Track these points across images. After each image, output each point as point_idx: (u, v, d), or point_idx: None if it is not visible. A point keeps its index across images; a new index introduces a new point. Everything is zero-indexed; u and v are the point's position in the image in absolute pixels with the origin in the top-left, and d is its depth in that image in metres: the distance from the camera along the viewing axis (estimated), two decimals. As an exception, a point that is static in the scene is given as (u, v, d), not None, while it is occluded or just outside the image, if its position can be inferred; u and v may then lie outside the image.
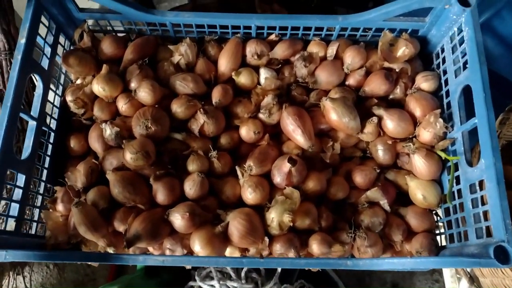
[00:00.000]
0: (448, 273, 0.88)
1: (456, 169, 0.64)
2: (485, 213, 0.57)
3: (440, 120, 0.65)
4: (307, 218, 0.65)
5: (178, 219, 0.61)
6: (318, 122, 0.71)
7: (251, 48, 0.75)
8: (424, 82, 0.71)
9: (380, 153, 0.71)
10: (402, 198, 0.71)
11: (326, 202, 0.71)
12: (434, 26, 0.70)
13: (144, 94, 0.67)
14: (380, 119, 0.70)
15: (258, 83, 0.75)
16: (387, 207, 0.68)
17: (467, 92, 0.63)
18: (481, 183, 0.58)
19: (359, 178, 0.70)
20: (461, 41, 0.65)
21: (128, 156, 0.63)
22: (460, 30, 0.66)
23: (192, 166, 0.66)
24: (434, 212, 0.70)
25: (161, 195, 0.63)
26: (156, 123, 0.66)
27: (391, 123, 0.69)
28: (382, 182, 0.71)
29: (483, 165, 0.57)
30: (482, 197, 0.59)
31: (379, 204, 0.69)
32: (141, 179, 0.65)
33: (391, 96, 0.73)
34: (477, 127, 0.58)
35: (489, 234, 0.55)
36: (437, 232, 0.69)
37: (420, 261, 0.58)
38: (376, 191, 0.68)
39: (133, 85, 0.70)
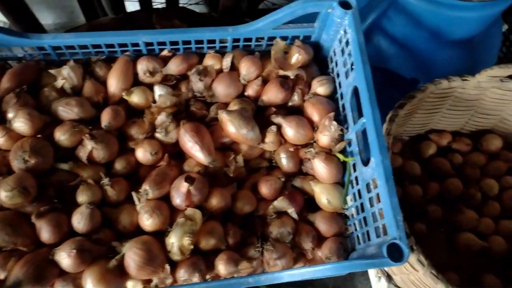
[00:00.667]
0: (373, 273, 0.89)
1: (355, 170, 0.65)
2: (381, 212, 0.58)
3: (334, 122, 0.65)
4: (211, 238, 0.62)
5: (64, 258, 0.55)
6: (219, 136, 0.70)
7: (142, 66, 0.72)
8: (320, 87, 0.72)
9: (284, 161, 0.70)
10: (311, 204, 0.71)
11: (234, 217, 0.69)
12: (323, 30, 0.72)
13: (21, 124, 0.62)
14: (279, 127, 0.69)
15: (154, 102, 0.72)
16: (295, 215, 0.67)
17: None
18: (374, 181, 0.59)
19: (264, 189, 0.69)
20: (348, 43, 0.67)
21: (3, 195, 0.57)
22: (345, 33, 0.67)
23: (81, 197, 0.61)
24: (344, 214, 0.71)
25: (45, 233, 0.58)
26: (36, 154, 0.60)
27: (291, 130, 0.68)
28: (289, 190, 0.71)
29: (373, 163, 0.58)
30: (377, 195, 0.59)
31: (288, 213, 0.69)
32: (22, 218, 0.59)
33: (290, 103, 0.73)
34: (365, 126, 0.59)
35: (386, 232, 0.56)
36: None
37: (324, 268, 0.56)
38: (283, 200, 0.67)
39: (10, 115, 0.64)
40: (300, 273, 0.55)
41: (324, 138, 0.67)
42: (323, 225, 0.68)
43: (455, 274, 0.68)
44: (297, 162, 0.71)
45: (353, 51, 0.63)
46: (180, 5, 1.22)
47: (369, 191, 0.61)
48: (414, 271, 0.55)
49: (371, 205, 0.60)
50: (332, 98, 0.72)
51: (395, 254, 0.52)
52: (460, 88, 0.68)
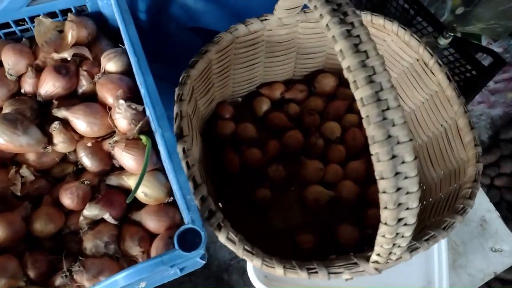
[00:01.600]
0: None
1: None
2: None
3: (121, 101, 0.55)
4: (1, 278, 0.50)
5: None
6: (-8, 151, 0.57)
7: None
8: (108, 63, 0.60)
9: (86, 160, 0.59)
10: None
11: (39, 242, 0.58)
12: (97, -3, 0.61)
13: None
14: (68, 122, 0.58)
15: None
16: (111, 220, 0.57)
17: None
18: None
19: (65, 199, 0.57)
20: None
21: None
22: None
23: None
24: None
25: None
26: None
27: (80, 122, 0.57)
28: (104, 192, 0.60)
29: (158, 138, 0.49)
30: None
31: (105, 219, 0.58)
32: None
33: (80, 91, 0.61)
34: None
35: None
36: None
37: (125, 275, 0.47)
38: (92, 206, 0.57)
39: None
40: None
41: (121, 122, 0.57)
42: (151, 222, 0.59)
43: (310, 235, 0.63)
44: (104, 157, 0.60)
45: (115, 10, 0.53)
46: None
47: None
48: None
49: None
50: (130, 73, 0.62)
51: (195, 241, 0.44)
52: (266, 31, 0.62)
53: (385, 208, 0.39)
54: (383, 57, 0.39)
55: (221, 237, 0.46)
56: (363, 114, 0.38)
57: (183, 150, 0.49)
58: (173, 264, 0.42)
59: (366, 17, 0.63)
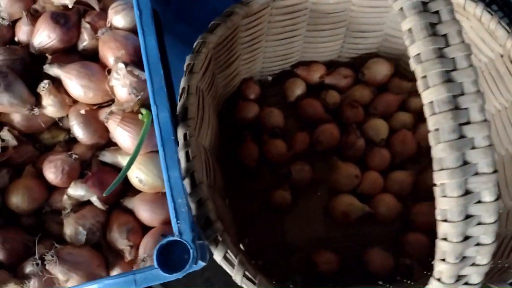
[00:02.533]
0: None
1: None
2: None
3: (121, 65, 0.46)
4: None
5: None
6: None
7: None
8: (116, 16, 0.51)
9: (77, 129, 0.51)
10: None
11: (16, 219, 0.51)
12: None
13: None
14: (60, 81, 0.50)
15: None
16: (99, 204, 0.50)
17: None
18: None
19: (49, 173, 0.50)
20: None
21: None
22: None
23: None
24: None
25: None
26: None
27: (73, 84, 0.49)
28: (96, 169, 0.52)
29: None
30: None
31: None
32: None
33: (81, 46, 0.53)
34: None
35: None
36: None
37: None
38: (77, 185, 0.49)
39: None
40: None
41: (119, 90, 0.48)
42: (144, 212, 0.50)
43: (332, 254, 0.53)
44: (98, 129, 0.52)
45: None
46: None
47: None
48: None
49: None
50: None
51: (183, 258, 0.35)
52: (311, -3, 0.50)
53: (443, 260, 0.28)
54: (470, 47, 0.28)
55: (217, 255, 0.37)
56: (430, 125, 0.27)
57: (184, 136, 0.40)
58: (149, 285, 0.34)
59: (443, -8, 0.50)
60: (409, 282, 0.51)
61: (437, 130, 0.26)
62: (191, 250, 0.34)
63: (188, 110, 0.41)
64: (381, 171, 0.57)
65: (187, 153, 0.39)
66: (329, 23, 0.56)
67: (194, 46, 0.44)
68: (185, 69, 0.43)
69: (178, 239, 0.34)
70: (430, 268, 0.52)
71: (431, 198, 0.56)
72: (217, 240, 0.37)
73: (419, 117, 0.61)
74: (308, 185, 0.57)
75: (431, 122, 0.27)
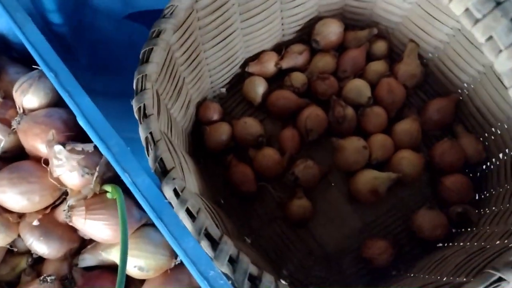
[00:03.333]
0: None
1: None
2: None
3: (57, 147, 0.37)
4: None
5: None
6: None
7: None
8: (24, 97, 0.42)
9: (38, 246, 0.40)
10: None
11: None
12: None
13: None
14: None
15: None
16: None
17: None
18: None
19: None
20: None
21: None
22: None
23: None
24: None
25: None
26: None
27: (9, 196, 0.39)
28: (82, 281, 0.42)
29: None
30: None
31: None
32: None
33: (-2, 150, 0.43)
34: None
35: None
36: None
37: None
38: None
39: None
40: None
41: (69, 177, 0.39)
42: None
43: (380, 241, 0.46)
44: (64, 233, 0.41)
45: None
46: None
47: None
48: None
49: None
50: (60, 101, 0.43)
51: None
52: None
53: None
54: None
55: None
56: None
57: (175, 192, 0.31)
58: None
59: None
60: (471, 229, 0.46)
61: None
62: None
63: (164, 160, 0.33)
64: (384, 130, 0.52)
65: (188, 212, 0.31)
66: (261, 3, 0.49)
67: (135, 85, 0.36)
68: (136, 115, 0.35)
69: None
70: (483, 205, 0.48)
71: (441, 136, 0.51)
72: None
73: (391, 61, 0.56)
74: (318, 180, 0.50)
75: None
